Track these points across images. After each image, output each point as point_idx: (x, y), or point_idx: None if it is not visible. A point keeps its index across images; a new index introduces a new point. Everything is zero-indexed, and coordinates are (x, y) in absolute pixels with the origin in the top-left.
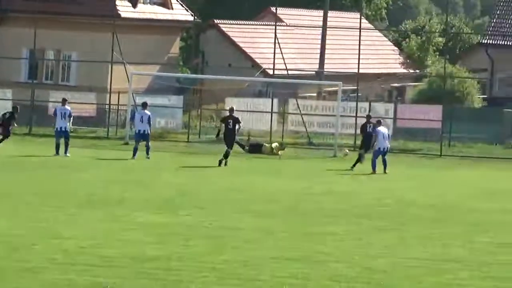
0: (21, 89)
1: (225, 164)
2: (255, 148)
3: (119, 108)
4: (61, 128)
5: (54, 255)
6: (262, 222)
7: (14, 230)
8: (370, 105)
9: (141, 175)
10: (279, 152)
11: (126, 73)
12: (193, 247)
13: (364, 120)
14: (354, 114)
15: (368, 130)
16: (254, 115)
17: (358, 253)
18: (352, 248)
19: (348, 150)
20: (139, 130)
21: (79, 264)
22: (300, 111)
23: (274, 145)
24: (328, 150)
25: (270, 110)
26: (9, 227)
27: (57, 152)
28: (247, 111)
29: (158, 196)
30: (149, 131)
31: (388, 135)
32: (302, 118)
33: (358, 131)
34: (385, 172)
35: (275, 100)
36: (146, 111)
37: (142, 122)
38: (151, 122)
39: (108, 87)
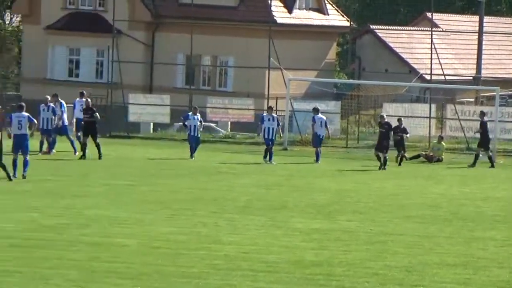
0: (178, 94)
1: None
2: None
3: (277, 114)
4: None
5: (216, 261)
6: (423, 228)
7: (175, 236)
8: None
9: (300, 180)
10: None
11: (283, 79)
12: (354, 253)
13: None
14: None
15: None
16: (412, 121)
17: None
18: None
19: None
20: (319, 135)
21: (241, 269)
22: (458, 116)
23: (436, 148)
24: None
25: (428, 116)
26: (170, 232)
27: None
28: (405, 116)
29: (317, 201)
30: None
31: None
32: (461, 124)
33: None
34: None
35: (433, 106)
36: (322, 116)
37: (321, 126)
38: (327, 126)
39: (266, 92)
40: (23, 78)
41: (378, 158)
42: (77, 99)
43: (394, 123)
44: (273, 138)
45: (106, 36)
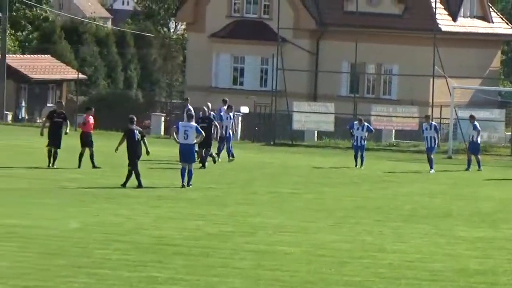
0: (343, 102)
1: None
2: None
3: (441, 122)
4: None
5: (380, 269)
6: None
7: (339, 244)
8: None
9: (464, 189)
10: None
11: (448, 87)
12: None
13: None
14: None
15: None
16: None
17: None
18: None
19: None
20: (478, 142)
21: (405, 278)
22: None
23: None
24: None
25: None
26: (334, 240)
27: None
28: None
29: (482, 210)
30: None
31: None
32: None
33: None
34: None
35: None
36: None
37: (479, 134)
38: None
39: (430, 100)
40: (187, 86)
41: None
42: (222, 106)
43: None
44: (432, 146)
45: (271, 44)
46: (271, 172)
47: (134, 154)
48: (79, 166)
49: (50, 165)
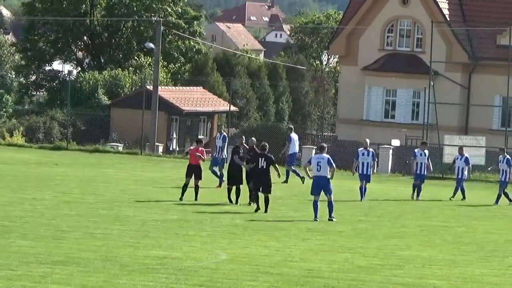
0: (494, 136)
1: None
2: None
3: None
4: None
5: None
6: None
7: (487, 278)
8: None
9: None
10: None
11: None
12: None
13: None
14: None
15: None
16: None
17: None
18: None
19: None
20: None
21: None
22: None
23: None
24: None
25: None
26: (482, 274)
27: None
28: None
29: None
30: None
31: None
32: None
33: None
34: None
35: None
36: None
37: None
38: None
39: None
40: (339, 118)
41: None
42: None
43: None
44: None
45: (423, 77)
46: (421, 205)
47: (258, 181)
48: (180, 198)
49: (250, 203)
